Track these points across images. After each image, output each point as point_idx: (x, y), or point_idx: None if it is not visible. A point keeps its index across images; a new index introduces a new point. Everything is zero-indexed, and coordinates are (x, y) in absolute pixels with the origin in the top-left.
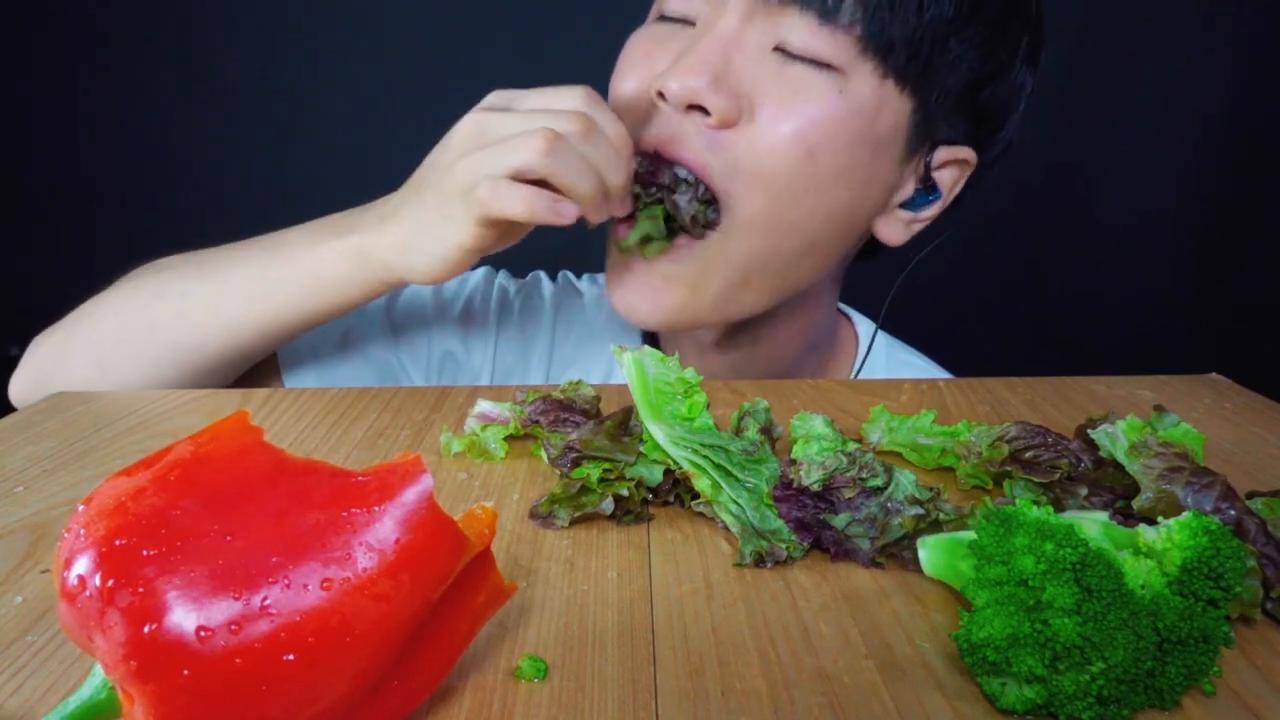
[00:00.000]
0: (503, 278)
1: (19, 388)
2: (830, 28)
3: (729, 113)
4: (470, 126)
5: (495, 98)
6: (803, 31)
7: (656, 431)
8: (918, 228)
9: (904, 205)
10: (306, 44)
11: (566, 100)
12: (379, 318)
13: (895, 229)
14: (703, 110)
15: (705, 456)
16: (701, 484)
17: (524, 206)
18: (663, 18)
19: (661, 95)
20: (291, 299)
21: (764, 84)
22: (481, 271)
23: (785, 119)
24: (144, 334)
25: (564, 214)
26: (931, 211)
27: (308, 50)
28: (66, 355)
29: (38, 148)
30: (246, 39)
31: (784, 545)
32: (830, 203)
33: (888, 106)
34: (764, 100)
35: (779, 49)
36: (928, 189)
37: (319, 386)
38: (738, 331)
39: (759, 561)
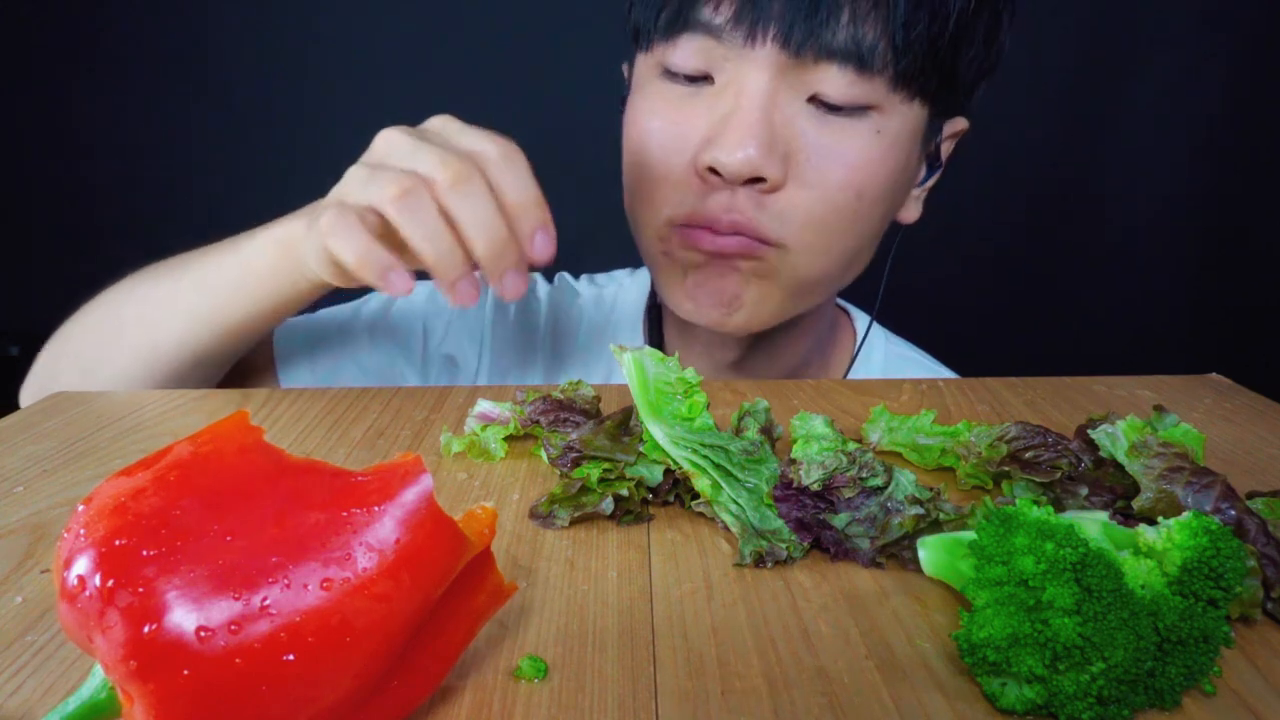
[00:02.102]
0: None
1: (26, 401)
2: (867, 74)
3: (779, 177)
4: (379, 142)
5: (431, 123)
6: (839, 82)
7: (656, 431)
8: (923, 196)
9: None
10: (308, 45)
11: (470, 142)
12: (376, 324)
13: (912, 209)
14: (758, 179)
15: (705, 456)
16: (701, 484)
17: (353, 255)
18: (668, 73)
19: (713, 170)
20: (231, 293)
21: (807, 139)
22: (476, 275)
23: (832, 170)
24: (113, 339)
25: (391, 284)
26: (934, 180)
27: (308, 51)
28: (57, 366)
29: (37, 149)
30: (247, 40)
31: (784, 545)
32: (875, 221)
33: (915, 122)
34: (809, 156)
35: (815, 99)
36: (933, 165)
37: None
38: (759, 337)
39: (759, 561)
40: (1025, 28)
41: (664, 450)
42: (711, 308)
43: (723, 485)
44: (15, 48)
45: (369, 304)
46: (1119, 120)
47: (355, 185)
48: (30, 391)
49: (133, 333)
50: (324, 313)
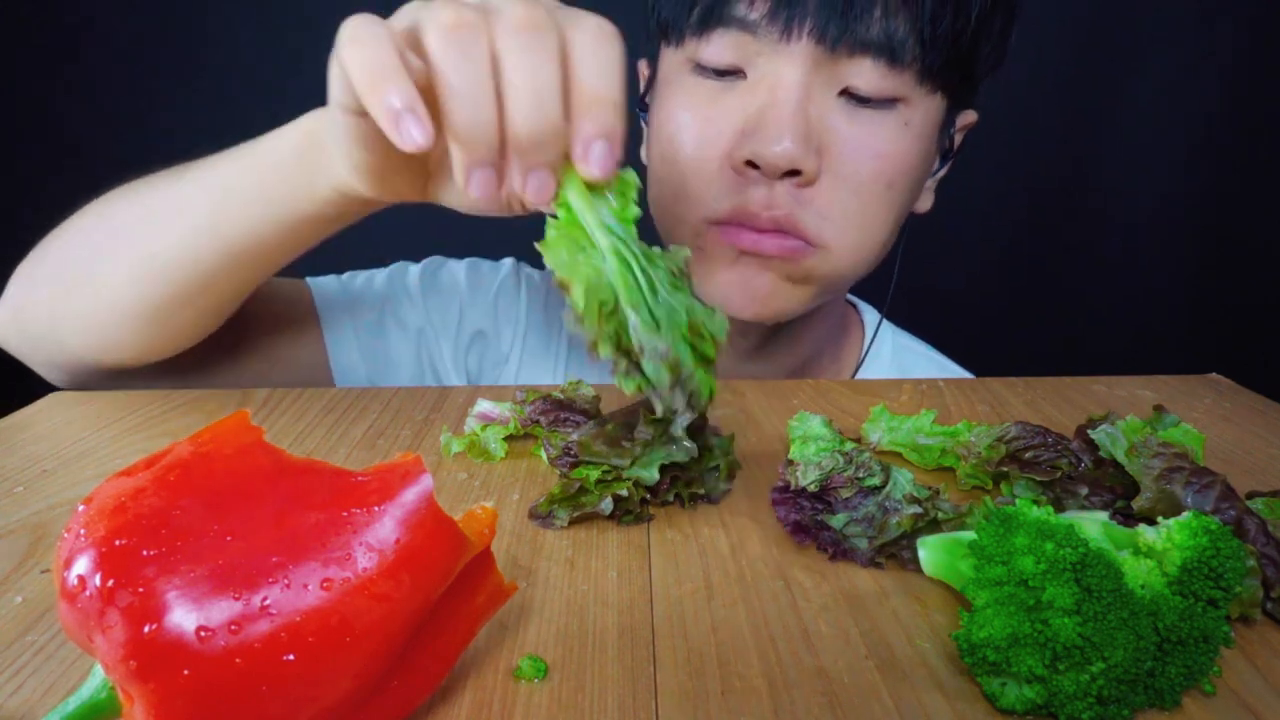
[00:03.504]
0: (528, 269)
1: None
2: (898, 68)
3: (815, 170)
4: None
5: None
6: (871, 75)
7: (587, 216)
8: (934, 186)
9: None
10: (307, 45)
11: (565, 11)
12: (414, 291)
13: (927, 199)
14: (795, 172)
15: (632, 252)
16: (616, 283)
17: (363, 66)
18: (699, 68)
19: (750, 164)
20: (237, 192)
21: (839, 132)
22: (510, 262)
23: (864, 162)
24: (104, 249)
25: (403, 133)
26: (945, 170)
27: (308, 51)
28: (33, 284)
29: (36, 149)
30: (247, 40)
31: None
32: (900, 210)
33: (937, 114)
34: (841, 149)
35: (846, 92)
36: (945, 156)
37: (360, 351)
38: (778, 331)
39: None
40: (1026, 25)
41: (586, 231)
42: (745, 304)
43: (632, 311)
44: (12, 46)
45: (410, 270)
46: (1118, 118)
47: (405, 11)
48: (4, 310)
49: (126, 240)
50: (362, 274)
